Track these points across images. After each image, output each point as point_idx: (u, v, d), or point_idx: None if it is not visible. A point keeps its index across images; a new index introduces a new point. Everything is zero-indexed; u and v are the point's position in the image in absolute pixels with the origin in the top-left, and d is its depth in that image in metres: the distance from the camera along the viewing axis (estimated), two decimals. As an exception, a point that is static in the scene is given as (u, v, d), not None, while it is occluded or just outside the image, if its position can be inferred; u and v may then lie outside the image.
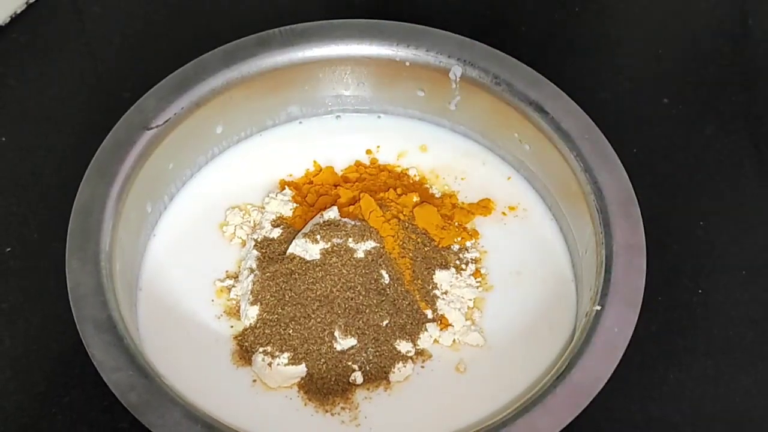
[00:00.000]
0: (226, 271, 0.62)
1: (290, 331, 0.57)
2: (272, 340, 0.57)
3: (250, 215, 0.64)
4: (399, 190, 0.64)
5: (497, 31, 0.79)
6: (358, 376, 0.57)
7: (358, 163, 0.67)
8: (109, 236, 0.56)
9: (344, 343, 0.57)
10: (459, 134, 0.68)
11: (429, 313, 0.60)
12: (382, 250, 0.61)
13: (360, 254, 0.60)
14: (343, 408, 0.56)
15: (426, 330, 0.59)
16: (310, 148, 0.68)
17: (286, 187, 0.65)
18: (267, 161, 0.67)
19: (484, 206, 0.65)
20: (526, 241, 0.64)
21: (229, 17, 0.80)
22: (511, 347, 0.59)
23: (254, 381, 0.57)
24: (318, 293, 0.59)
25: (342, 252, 0.60)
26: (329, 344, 0.57)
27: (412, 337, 0.58)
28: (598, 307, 0.54)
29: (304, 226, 0.62)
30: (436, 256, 0.62)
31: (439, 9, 0.81)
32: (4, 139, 0.71)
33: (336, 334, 0.57)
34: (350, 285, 0.59)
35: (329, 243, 0.60)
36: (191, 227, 0.64)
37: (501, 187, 0.66)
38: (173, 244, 0.63)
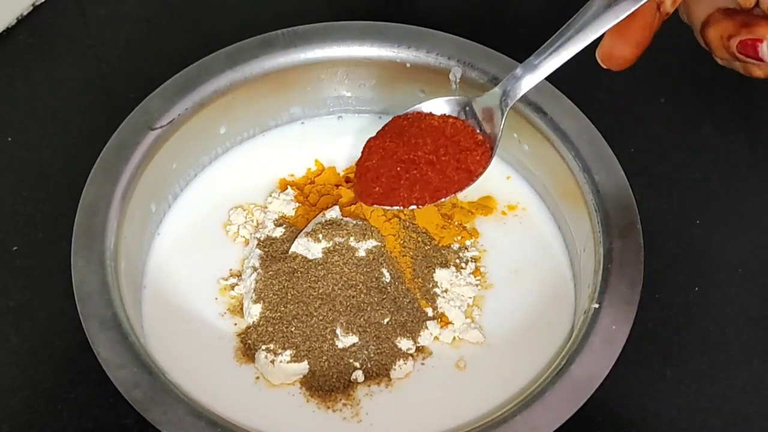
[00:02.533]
0: (230, 270, 0.62)
1: (292, 329, 0.58)
2: (275, 338, 0.58)
3: (253, 215, 0.64)
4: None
5: (496, 33, 0.79)
6: (359, 375, 0.57)
7: (359, 163, 0.68)
8: (114, 235, 0.56)
9: (346, 340, 0.58)
10: (459, 134, 0.69)
11: (429, 311, 0.60)
12: (383, 249, 0.61)
13: (361, 253, 0.60)
14: (344, 404, 0.56)
15: (426, 328, 0.59)
16: (312, 148, 0.68)
17: (288, 186, 0.65)
18: (270, 161, 0.67)
19: (485, 205, 0.65)
20: (525, 240, 0.64)
21: (231, 19, 0.80)
22: (511, 344, 0.59)
23: (257, 378, 0.57)
24: (320, 291, 0.59)
25: (343, 251, 0.60)
26: (331, 342, 0.58)
27: (413, 335, 0.59)
28: (596, 305, 0.54)
29: (306, 226, 0.63)
30: (436, 255, 0.62)
31: (439, 11, 0.81)
32: (10, 139, 0.71)
33: (338, 331, 0.58)
34: (352, 283, 0.59)
35: (331, 242, 0.60)
36: (195, 226, 0.64)
37: (500, 186, 0.66)
38: (177, 243, 0.63)
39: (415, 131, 0.59)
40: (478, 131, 0.59)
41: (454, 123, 0.59)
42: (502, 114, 0.58)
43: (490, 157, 0.58)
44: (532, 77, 0.57)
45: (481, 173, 0.58)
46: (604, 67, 0.55)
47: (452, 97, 0.60)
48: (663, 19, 0.54)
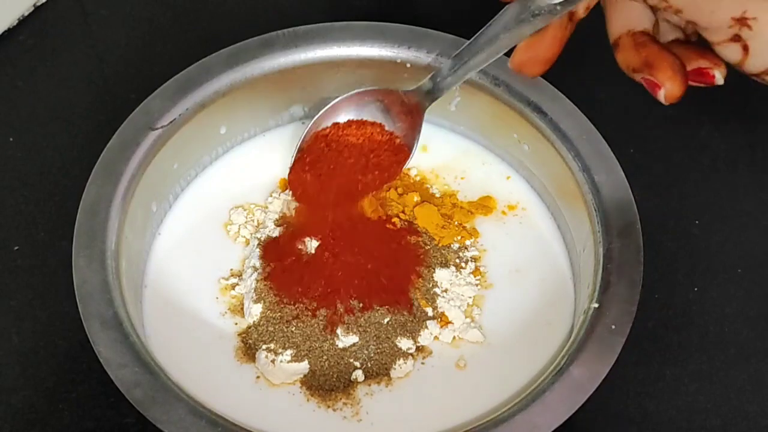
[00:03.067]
0: (230, 270, 0.62)
1: (293, 329, 0.58)
2: (275, 338, 0.58)
3: (253, 214, 0.64)
4: (400, 190, 0.65)
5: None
6: (359, 374, 0.57)
7: (360, 163, 0.68)
8: (115, 235, 0.56)
9: (346, 340, 0.58)
10: (459, 134, 0.69)
11: (429, 311, 0.60)
12: (383, 248, 0.61)
13: (362, 252, 0.61)
14: (345, 404, 0.56)
15: (426, 327, 0.59)
16: (313, 148, 0.68)
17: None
18: (270, 161, 0.67)
19: (484, 205, 0.65)
20: (525, 240, 0.64)
21: (232, 20, 0.80)
22: (510, 344, 0.59)
23: (258, 377, 0.57)
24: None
25: (344, 250, 0.60)
26: (331, 341, 0.58)
27: (413, 335, 0.59)
28: (596, 305, 0.54)
29: (307, 225, 0.63)
30: (436, 255, 0.62)
31: (439, 11, 0.81)
32: (11, 139, 0.71)
33: (338, 331, 0.58)
34: (352, 283, 0.59)
35: (331, 241, 0.61)
36: (196, 226, 0.64)
37: (500, 186, 0.67)
38: (178, 242, 0.63)
39: (335, 155, 0.61)
40: (393, 129, 0.61)
41: (371, 135, 0.61)
42: (424, 111, 0.60)
43: (408, 157, 0.61)
44: (455, 78, 0.58)
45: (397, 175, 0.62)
46: (518, 74, 0.57)
47: (369, 89, 0.61)
48: (576, 23, 0.54)
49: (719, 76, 0.54)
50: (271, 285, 0.59)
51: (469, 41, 0.56)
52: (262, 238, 0.62)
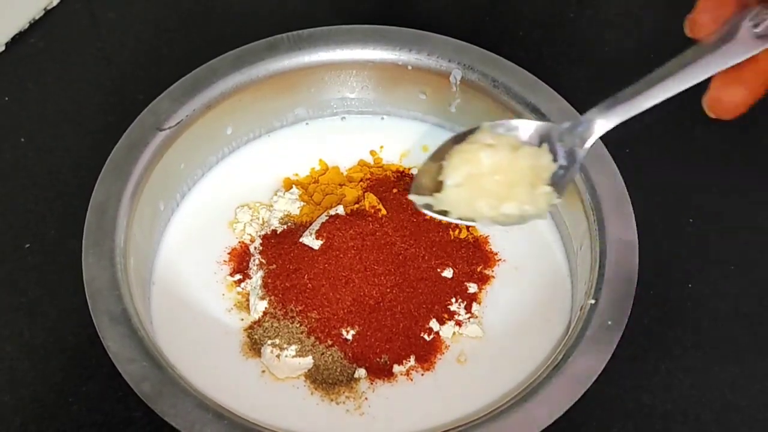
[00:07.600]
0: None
1: (297, 325, 0.58)
2: (280, 333, 0.58)
3: (258, 213, 0.65)
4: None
5: (496, 36, 0.79)
6: (362, 372, 0.58)
7: (362, 163, 0.68)
8: (124, 233, 0.57)
9: (350, 336, 0.58)
10: (459, 135, 0.70)
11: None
12: (385, 247, 0.62)
13: (364, 250, 0.61)
14: (347, 397, 0.57)
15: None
16: (316, 148, 0.68)
17: (293, 186, 0.66)
18: (275, 161, 0.68)
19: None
20: (523, 238, 0.64)
21: (238, 23, 0.80)
22: (509, 339, 0.60)
23: (263, 372, 0.58)
24: (323, 288, 0.59)
25: (346, 248, 0.61)
26: (335, 337, 0.58)
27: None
28: (593, 301, 0.55)
29: (310, 224, 0.63)
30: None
31: (439, 15, 0.81)
32: (23, 139, 0.71)
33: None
34: (355, 280, 0.60)
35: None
36: (202, 224, 0.64)
37: (499, 185, 0.67)
38: (185, 240, 0.63)
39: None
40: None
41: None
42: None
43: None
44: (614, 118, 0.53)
45: None
46: (712, 116, 0.48)
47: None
48: None
49: None
50: (275, 282, 0.60)
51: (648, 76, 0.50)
52: (267, 236, 0.63)
